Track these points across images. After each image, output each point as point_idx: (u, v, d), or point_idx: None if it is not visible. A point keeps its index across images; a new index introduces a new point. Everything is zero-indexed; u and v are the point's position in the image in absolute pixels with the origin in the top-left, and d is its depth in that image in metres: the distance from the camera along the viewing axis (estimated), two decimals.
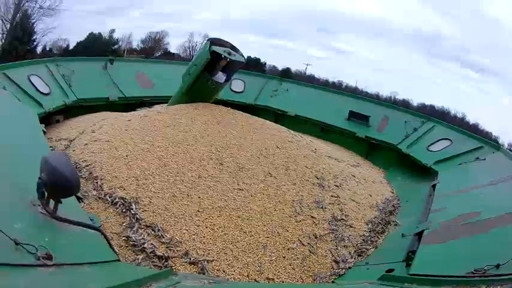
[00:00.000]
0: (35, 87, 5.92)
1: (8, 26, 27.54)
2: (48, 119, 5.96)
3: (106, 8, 60.99)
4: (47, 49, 31.47)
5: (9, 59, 19.67)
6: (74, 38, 35.26)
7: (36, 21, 29.14)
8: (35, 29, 29.17)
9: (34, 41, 29.17)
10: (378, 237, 4.24)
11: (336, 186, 4.88)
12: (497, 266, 2.37)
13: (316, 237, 3.89)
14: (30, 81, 5.92)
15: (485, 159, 5.63)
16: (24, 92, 5.56)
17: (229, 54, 5.88)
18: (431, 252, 3.21)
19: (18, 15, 27.91)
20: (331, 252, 3.80)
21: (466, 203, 4.09)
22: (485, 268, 2.41)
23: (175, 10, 70.91)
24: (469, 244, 3.10)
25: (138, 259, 3.16)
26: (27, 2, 28.29)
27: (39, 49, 30.11)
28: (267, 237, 3.71)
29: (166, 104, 6.71)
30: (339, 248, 3.88)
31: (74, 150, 4.66)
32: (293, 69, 43.05)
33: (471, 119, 39.99)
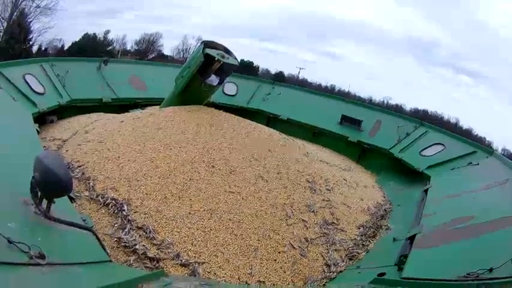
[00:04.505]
0: (30, 87, 5.90)
1: (5, 24, 27.32)
2: (42, 119, 5.94)
3: (101, 9, 60.93)
4: (43, 49, 31.27)
5: (5, 57, 19.56)
6: (68, 38, 35.22)
7: (32, 20, 28.98)
8: (32, 28, 29.00)
9: (30, 40, 28.95)
10: (369, 241, 4.26)
11: (328, 190, 4.90)
12: (490, 270, 2.36)
13: (307, 241, 3.92)
14: (25, 80, 5.90)
15: (478, 164, 5.65)
16: (19, 91, 5.54)
17: (223, 57, 5.90)
18: (424, 256, 3.21)
19: (15, 13, 27.69)
20: (322, 256, 3.82)
21: (459, 207, 4.10)
22: (478, 272, 2.40)
23: (169, 13, 70.99)
24: (461, 248, 3.10)
25: (129, 260, 3.16)
26: (24, 0, 28.14)
27: (34, 48, 29.94)
28: (258, 240, 3.72)
29: (159, 106, 6.72)
30: (330, 251, 3.90)
31: (67, 151, 4.65)
32: (286, 73, 43.36)
33: (464, 124, 40.45)
